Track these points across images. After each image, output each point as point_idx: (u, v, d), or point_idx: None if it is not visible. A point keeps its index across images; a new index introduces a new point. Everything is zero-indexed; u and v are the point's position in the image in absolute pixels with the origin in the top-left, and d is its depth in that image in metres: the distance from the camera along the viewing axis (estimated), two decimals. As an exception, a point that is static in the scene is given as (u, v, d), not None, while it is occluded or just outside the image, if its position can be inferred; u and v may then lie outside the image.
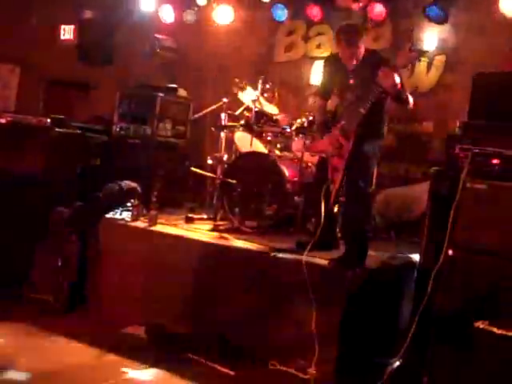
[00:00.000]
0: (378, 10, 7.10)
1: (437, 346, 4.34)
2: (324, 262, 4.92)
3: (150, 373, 4.61)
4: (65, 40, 9.08)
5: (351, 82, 5.11)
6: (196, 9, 8.27)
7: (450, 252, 4.48)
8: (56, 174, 6.24)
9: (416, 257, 5.11)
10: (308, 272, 4.78)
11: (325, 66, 5.47)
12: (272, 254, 5.12)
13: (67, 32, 9.09)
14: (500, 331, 4.12)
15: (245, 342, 4.95)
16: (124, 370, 4.59)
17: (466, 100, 5.32)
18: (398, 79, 4.80)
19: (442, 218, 4.62)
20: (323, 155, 5.31)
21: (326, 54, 7.25)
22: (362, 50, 5.09)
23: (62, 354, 4.79)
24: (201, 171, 6.61)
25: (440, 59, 7.00)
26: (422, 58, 6.93)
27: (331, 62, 5.39)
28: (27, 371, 4.37)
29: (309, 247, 4.97)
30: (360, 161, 5.03)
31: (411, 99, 5.09)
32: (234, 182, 6.03)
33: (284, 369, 4.71)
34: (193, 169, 6.61)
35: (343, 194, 5.16)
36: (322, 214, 5.06)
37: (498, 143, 4.67)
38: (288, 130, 6.31)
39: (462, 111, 5.40)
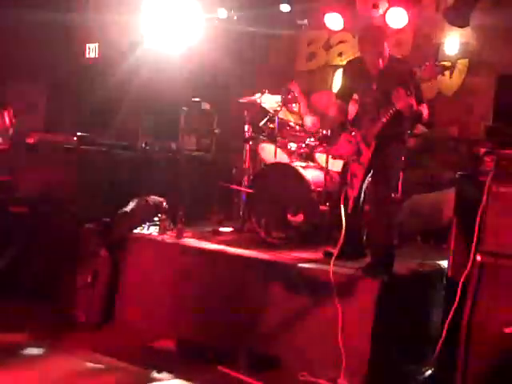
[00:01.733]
0: (399, 15, 7.08)
1: (468, 354, 4.31)
2: (351, 272, 4.91)
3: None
4: (90, 59, 9.21)
5: (374, 87, 5.09)
6: (216, 22, 8.32)
7: (479, 258, 4.44)
8: (84, 191, 6.30)
9: (444, 263, 5.08)
10: (335, 282, 4.78)
11: (347, 70, 5.46)
12: (299, 265, 5.12)
13: (92, 50, 9.23)
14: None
15: (273, 354, 4.94)
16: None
17: (490, 103, 5.30)
18: (412, 102, 4.80)
19: (469, 224, 4.59)
20: (343, 159, 5.33)
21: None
22: (386, 52, 5.06)
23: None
24: (228, 185, 6.65)
25: (463, 63, 6.98)
26: (445, 62, 6.98)
27: (354, 65, 5.37)
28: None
29: (334, 257, 4.95)
30: (382, 170, 5.02)
31: (425, 112, 5.07)
32: (259, 192, 6.05)
33: (313, 379, 4.68)
34: (221, 183, 6.66)
35: (367, 203, 5.15)
36: (343, 220, 5.03)
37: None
38: (311, 140, 6.32)
39: (486, 114, 5.38)
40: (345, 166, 5.36)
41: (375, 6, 7.04)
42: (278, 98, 6.55)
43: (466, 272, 4.48)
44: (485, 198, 4.48)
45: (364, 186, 5.21)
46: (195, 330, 5.33)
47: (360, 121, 5.23)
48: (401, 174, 5.80)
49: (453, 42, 6.90)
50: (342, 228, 5.08)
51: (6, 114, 6.79)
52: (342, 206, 5.11)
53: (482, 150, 4.85)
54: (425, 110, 5.08)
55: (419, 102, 4.97)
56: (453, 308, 4.52)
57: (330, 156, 5.95)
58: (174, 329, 5.39)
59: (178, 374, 4.71)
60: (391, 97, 4.85)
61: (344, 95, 5.41)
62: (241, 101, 6.78)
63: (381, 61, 5.03)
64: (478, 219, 4.48)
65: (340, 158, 5.61)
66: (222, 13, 8.17)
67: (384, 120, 4.94)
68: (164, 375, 4.74)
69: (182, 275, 5.54)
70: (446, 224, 5.44)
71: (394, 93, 4.82)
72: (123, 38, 8.49)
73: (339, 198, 5.18)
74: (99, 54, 9.15)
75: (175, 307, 5.48)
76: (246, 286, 5.23)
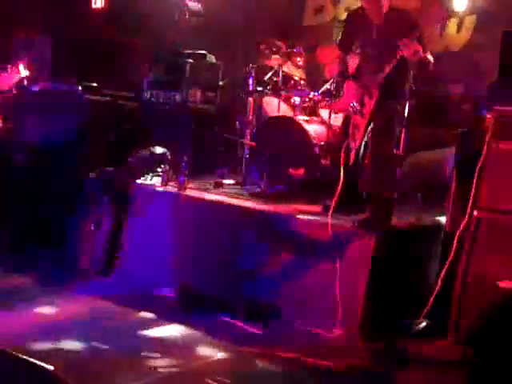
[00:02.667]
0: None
1: (461, 306, 4.39)
2: (349, 224, 4.97)
3: (178, 329, 4.73)
4: (96, 8, 9.14)
5: (374, 37, 5.05)
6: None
7: (476, 213, 4.50)
8: (88, 141, 6.35)
9: (443, 219, 5.13)
10: (332, 234, 4.84)
11: (348, 20, 5.47)
12: (297, 217, 5.18)
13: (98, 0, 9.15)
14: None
15: (272, 304, 5.04)
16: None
17: (496, 60, 5.26)
18: (419, 49, 4.77)
19: (468, 180, 4.63)
20: (346, 113, 5.34)
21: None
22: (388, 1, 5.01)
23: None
24: (231, 136, 6.67)
25: (470, 19, 6.90)
26: (452, 19, 6.93)
27: (355, 15, 5.36)
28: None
29: (331, 210, 5.00)
30: (383, 121, 5.02)
31: (431, 59, 5.04)
32: (261, 146, 6.09)
33: (310, 328, 4.78)
34: (225, 135, 6.69)
35: (366, 155, 5.17)
36: (341, 173, 5.06)
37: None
38: (315, 94, 6.32)
39: (493, 72, 5.34)
40: (346, 118, 5.37)
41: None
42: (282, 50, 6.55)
43: (463, 226, 4.56)
44: (484, 154, 4.53)
45: (365, 139, 5.21)
46: (195, 278, 5.43)
47: (362, 72, 5.20)
48: (403, 131, 5.83)
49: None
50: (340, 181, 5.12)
51: (20, 66, 6.79)
52: (341, 159, 5.13)
53: (484, 107, 4.87)
54: (431, 58, 5.05)
55: (424, 50, 4.94)
56: (448, 261, 4.60)
57: (333, 110, 5.96)
58: (175, 277, 5.50)
59: (177, 320, 4.81)
60: (394, 46, 4.82)
61: (344, 46, 5.39)
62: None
63: (383, 9, 4.99)
64: (476, 175, 4.53)
65: (343, 111, 5.61)
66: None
67: (387, 69, 4.91)
68: (165, 321, 4.85)
69: (183, 225, 5.62)
70: (445, 181, 5.47)
71: (398, 40, 4.78)
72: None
73: (340, 150, 5.21)
74: (105, 3, 9.08)
75: (176, 256, 5.57)
76: (246, 236, 5.30)
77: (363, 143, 5.24)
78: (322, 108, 6.34)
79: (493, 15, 6.64)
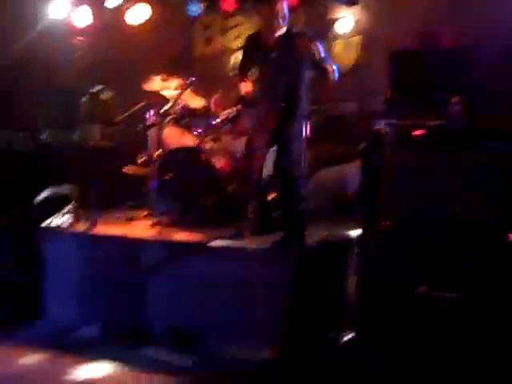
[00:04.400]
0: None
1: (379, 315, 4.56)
2: (265, 246, 5.05)
3: (101, 367, 4.63)
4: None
5: (272, 56, 5.13)
6: (110, 7, 8.17)
7: (387, 223, 4.70)
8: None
9: (355, 232, 5.31)
10: (250, 256, 4.90)
11: (245, 45, 5.53)
12: (212, 244, 5.21)
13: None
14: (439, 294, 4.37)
15: (197, 332, 5.04)
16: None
17: (384, 78, 5.55)
18: (315, 47, 4.94)
19: (375, 193, 4.84)
20: (247, 135, 5.44)
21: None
22: (285, 12, 5.14)
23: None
24: (132, 171, 6.63)
25: (356, 40, 7.25)
26: (338, 40, 7.25)
27: (252, 39, 5.46)
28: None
29: (245, 234, 5.07)
30: (285, 143, 5.14)
31: (336, 71, 5.17)
32: (168, 178, 6.09)
33: (239, 353, 4.80)
34: (125, 169, 6.63)
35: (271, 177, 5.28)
36: (256, 195, 5.13)
37: (419, 115, 4.95)
38: (214, 122, 6.38)
39: (381, 89, 5.64)
40: (248, 140, 5.46)
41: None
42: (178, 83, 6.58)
43: (375, 237, 4.74)
44: (386, 166, 4.76)
45: (269, 158, 5.30)
46: (116, 314, 5.34)
47: (261, 93, 5.28)
48: (304, 149, 6.00)
49: (345, 20, 7.15)
50: (252, 204, 5.19)
51: None
52: (251, 181, 5.21)
53: (382, 122, 5.11)
54: (335, 69, 5.16)
55: (325, 61, 5.08)
56: (365, 273, 4.76)
57: (233, 135, 6.06)
58: (97, 316, 5.37)
59: (104, 357, 4.71)
60: (292, 61, 4.95)
61: (243, 70, 5.48)
62: (144, 88, 6.72)
63: (276, 22, 5.11)
64: (382, 187, 4.75)
65: (244, 134, 5.71)
66: (112, 2, 8.06)
67: (283, 89, 5.03)
68: (94, 361, 4.73)
69: (97, 263, 5.51)
70: (352, 195, 5.69)
71: (295, 42, 4.92)
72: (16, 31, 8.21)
73: (245, 174, 5.29)
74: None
75: (95, 295, 5.46)
76: (164, 267, 5.27)
77: (268, 163, 5.34)
78: (223, 135, 6.41)
79: (376, 36, 7.00)
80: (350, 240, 5.36)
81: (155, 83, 6.72)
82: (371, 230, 4.84)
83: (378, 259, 4.67)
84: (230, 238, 5.33)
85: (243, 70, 5.48)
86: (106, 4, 8.02)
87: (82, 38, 8.31)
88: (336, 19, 7.10)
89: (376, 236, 4.75)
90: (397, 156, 4.87)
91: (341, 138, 6.61)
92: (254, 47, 5.40)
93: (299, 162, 5.45)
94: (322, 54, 5.04)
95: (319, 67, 5.09)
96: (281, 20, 5.14)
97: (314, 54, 4.97)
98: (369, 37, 7.11)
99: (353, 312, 4.83)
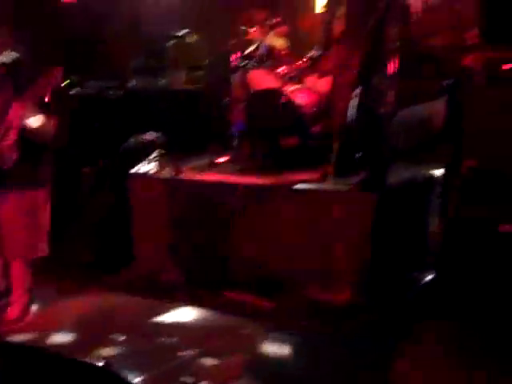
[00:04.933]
0: None
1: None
2: (348, 188, 4.98)
3: (185, 312, 4.77)
4: (67, 1, 9.04)
5: None
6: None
7: (471, 162, 4.51)
8: (78, 136, 6.32)
9: (439, 172, 5.14)
10: (332, 200, 4.85)
11: None
12: (294, 187, 5.19)
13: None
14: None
15: (280, 277, 5.07)
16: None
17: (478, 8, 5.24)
18: None
19: (461, 130, 4.65)
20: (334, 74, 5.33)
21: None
22: None
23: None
24: (222, 115, 6.67)
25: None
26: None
27: None
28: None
29: (329, 176, 5.01)
30: (370, 81, 5.01)
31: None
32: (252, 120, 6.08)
33: (319, 295, 4.82)
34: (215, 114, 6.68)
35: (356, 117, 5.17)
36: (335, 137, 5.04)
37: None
38: (300, 63, 6.30)
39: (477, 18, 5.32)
40: (334, 79, 5.36)
41: None
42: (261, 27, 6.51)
43: (460, 177, 4.58)
44: (474, 102, 4.54)
45: (355, 97, 5.19)
46: (199, 260, 5.45)
47: (348, 31, 5.21)
48: (390, 86, 5.81)
49: None
50: (336, 146, 5.12)
51: None
52: (333, 123, 5.13)
53: (471, 56, 4.87)
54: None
55: None
56: (449, 214, 4.63)
57: (318, 75, 5.95)
58: (181, 261, 5.53)
59: (186, 302, 4.85)
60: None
61: (331, 9, 5.37)
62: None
63: None
64: (469, 124, 4.54)
65: (329, 74, 5.60)
66: None
67: (372, 21, 4.90)
68: (176, 304, 4.88)
69: (182, 209, 5.62)
70: (438, 134, 5.48)
71: None
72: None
73: (329, 115, 5.21)
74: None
75: (179, 240, 5.59)
76: (246, 211, 5.32)
77: (353, 103, 5.22)
78: (308, 75, 6.31)
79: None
80: (434, 179, 5.20)
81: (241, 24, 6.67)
82: (456, 168, 4.67)
83: (462, 198, 4.52)
84: (313, 180, 5.29)
85: (328, 7, 5.36)
86: None
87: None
88: None
89: (460, 174, 4.58)
90: (485, 91, 4.62)
91: (429, 73, 6.33)
92: None
93: (384, 99, 5.32)
94: None
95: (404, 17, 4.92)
96: None
97: None
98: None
99: (436, 253, 4.72)
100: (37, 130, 4.27)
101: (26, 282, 4.46)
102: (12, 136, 4.20)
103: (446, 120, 5.01)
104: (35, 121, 4.25)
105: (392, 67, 5.48)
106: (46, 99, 4.35)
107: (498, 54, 4.73)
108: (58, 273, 5.30)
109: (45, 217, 4.49)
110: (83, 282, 5.29)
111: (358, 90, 5.16)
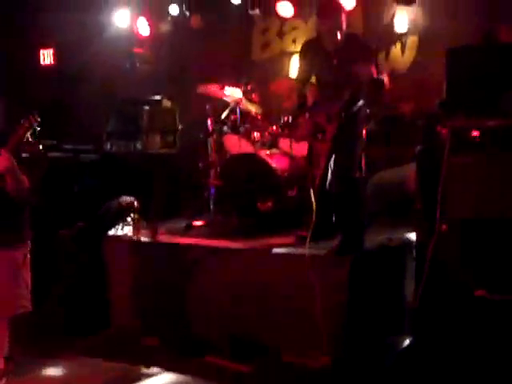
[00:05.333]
0: (347, -1, 7.20)
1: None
2: (323, 252, 5.06)
3: (164, 378, 4.72)
4: (45, 65, 9.20)
5: (332, 63, 5.16)
6: (169, 18, 8.38)
7: (444, 226, 4.64)
8: (54, 198, 6.33)
9: (412, 236, 5.27)
10: (309, 263, 4.91)
11: (304, 51, 5.52)
12: (273, 251, 5.26)
13: (47, 56, 9.22)
14: (499, 297, 4.29)
15: (256, 339, 5.09)
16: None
17: (442, 78, 5.47)
18: (373, 69, 4.95)
19: (432, 195, 4.78)
20: (307, 142, 5.45)
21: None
22: (343, 25, 5.16)
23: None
24: (197, 179, 6.76)
25: (413, 40, 7.16)
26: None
27: (311, 46, 5.48)
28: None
29: (308, 239, 5.06)
30: (345, 147, 5.14)
31: (386, 79, 5.18)
32: (227, 184, 6.17)
33: (297, 360, 4.83)
34: (189, 178, 6.76)
35: (332, 182, 5.28)
36: (313, 201, 5.13)
37: (476, 116, 4.84)
38: (274, 128, 6.44)
39: (439, 89, 5.55)
40: (309, 147, 5.49)
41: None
42: (237, 90, 6.65)
43: (433, 240, 4.69)
44: (444, 168, 4.69)
45: (330, 164, 5.31)
46: (177, 323, 5.44)
47: (322, 100, 5.31)
48: (362, 153, 5.99)
49: (401, 19, 7.07)
50: (312, 210, 5.19)
51: None
52: (310, 187, 5.21)
53: (438, 123, 5.05)
54: (385, 78, 5.19)
55: (378, 70, 5.10)
56: (424, 278, 4.71)
57: (293, 140, 6.08)
58: (158, 325, 5.51)
59: (166, 368, 4.82)
60: (351, 70, 4.95)
61: (303, 78, 5.50)
62: (201, 92, 6.82)
63: (338, 34, 5.14)
64: (439, 189, 4.68)
65: (304, 140, 5.73)
66: (174, 9, 8.25)
67: (346, 94, 5.04)
68: (153, 370, 4.85)
69: (159, 272, 5.64)
70: (410, 197, 5.63)
71: (353, 65, 4.93)
72: (80, 40, 8.51)
73: (306, 180, 5.30)
74: (54, 59, 9.15)
75: (155, 304, 5.59)
76: (224, 275, 5.36)
77: (329, 168, 5.35)
78: (282, 139, 6.45)
79: (433, 35, 6.91)
80: (408, 243, 5.32)
81: (214, 90, 6.80)
82: (429, 232, 4.79)
83: (436, 262, 4.62)
84: (288, 244, 5.37)
85: (302, 76, 5.50)
86: (169, 11, 8.17)
87: (142, 48, 8.53)
88: (393, 21, 7.00)
89: (433, 238, 4.69)
90: (454, 157, 4.79)
91: (398, 139, 6.55)
92: (311, 52, 5.41)
93: (358, 165, 5.47)
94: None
95: (376, 84, 5.10)
96: (341, 30, 5.16)
97: (371, 74, 4.95)
98: (426, 35, 7.01)
99: (411, 316, 4.79)
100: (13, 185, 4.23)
101: (4, 347, 4.37)
102: None
103: (417, 185, 5.14)
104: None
105: (364, 134, 5.67)
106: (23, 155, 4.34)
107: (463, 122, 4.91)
108: (33, 337, 5.22)
109: (26, 274, 4.43)
110: (59, 347, 5.22)
111: (332, 155, 5.28)
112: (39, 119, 4.21)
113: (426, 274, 4.68)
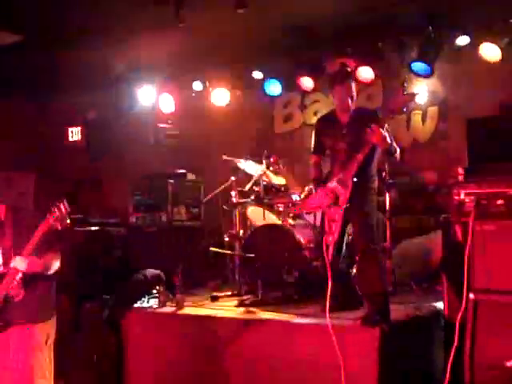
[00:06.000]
0: (367, 72, 7.38)
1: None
2: (349, 323, 5.02)
3: None
4: (72, 141, 9.47)
5: (344, 131, 5.26)
6: (193, 94, 8.60)
7: (472, 296, 4.59)
8: (80, 271, 6.40)
9: (440, 304, 5.22)
10: (335, 335, 4.86)
11: (317, 124, 5.66)
12: (297, 321, 5.22)
13: (75, 134, 9.50)
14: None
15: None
16: None
17: (463, 146, 5.53)
18: (386, 134, 5.01)
19: (458, 264, 4.75)
20: (320, 210, 5.47)
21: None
22: (354, 93, 5.29)
23: None
24: (218, 250, 6.79)
25: (433, 110, 7.29)
26: (416, 111, 7.32)
27: (325, 118, 5.62)
28: None
29: (328, 309, 5.00)
30: (363, 219, 5.16)
31: (398, 151, 5.24)
32: (253, 255, 6.20)
33: None
34: (212, 249, 6.79)
35: (355, 252, 5.28)
36: (328, 271, 5.10)
37: (500, 184, 4.86)
38: (297, 199, 6.50)
39: (461, 157, 5.61)
40: (322, 215, 5.49)
41: (344, 65, 7.32)
42: (259, 165, 6.76)
43: (462, 311, 4.63)
44: (469, 237, 4.68)
45: (347, 230, 5.32)
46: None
47: (334, 168, 5.34)
48: (387, 221, 6.01)
49: (421, 91, 7.21)
50: (328, 279, 5.17)
51: None
52: (325, 258, 5.18)
53: (462, 192, 5.06)
54: (397, 149, 5.24)
55: (390, 139, 5.14)
56: (453, 349, 4.63)
57: (305, 211, 6.12)
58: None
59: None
60: (363, 136, 5.01)
61: (318, 149, 5.58)
62: (225, 160, 6.93)
63: (350, 101, 5.25)
64: (466, 259, 4.66)
65: (316, 209, 5.75)
66: (197, 85, 8.48)
67: (360, 158, 5.11)
68: None
69: (186, 345, 5.61)
70: (436, 266, 5.60)
71: (366, 130, 4.98)
72: (106, 117, 8.77)
73: (321, 248, 5.28)
74: (82, 135, 9.42)
75: (185, 378, 5.55)
76: (253, 348, 5.31)
77: (345, 236, 5.35)
78: (305, 212, 6.49)
79: (453, 106, 7.03)
80: (436, 312, 5.26)
81: (238, 163, 6.92)
82: (456, 302, 4.74)
83: (465, 333, 4.55)
84: (313, 315, 5.34)
85: (317, 150, 5.60)
86: (193, 86, 8.40)
87: (167, 123, 8.75)
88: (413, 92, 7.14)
89: (461, 308, 4.64)
90: (478, 227, 4.78)
91: (421, 209, 6.58)
92: (325, 127, 5.53)
93: (378, 235, 5.45)
94: (388, 136, 5.09)
95: (389, 151, 5.16)
96: (352, 98, 5.28)
97: (385, 139, 5.01)
98: (446, 106, 7.13)
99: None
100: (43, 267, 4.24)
101: None
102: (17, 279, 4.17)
103: (443, 254, 5.13)
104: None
105: (388, 203, 5.71)
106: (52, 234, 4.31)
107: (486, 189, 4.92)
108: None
109: (47, 358, 4.27)
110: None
111: (347, 222, 5.28)
112: (68, 208, 4.14)
113: (456, 345, 4.62)
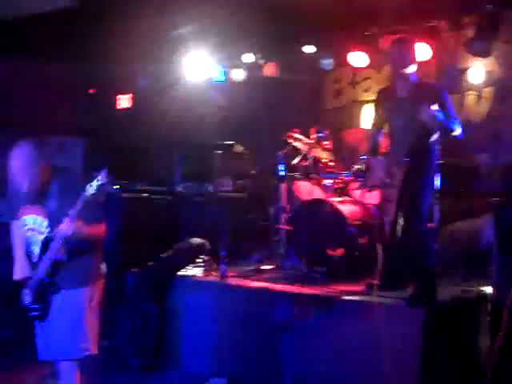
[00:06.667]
0: (423, 49, 7.22)
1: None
2: (394, 302, 4.98)
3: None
4: (122, 108, 9.52)
5: (403, 108, 5.18)
6: (244, 66, 8.56)
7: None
8: (126, 238, 6.47)
9: (487, 289, 5.14)
10: (379, 313, 4.84)
11: (378, 98, 5.62)
12: (343, 298, 5.21)
13: (124, 100, 9.56)
14: None
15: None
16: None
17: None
18: (439, 115, 4.91)
19: (509, 248, 4.68)
20: (378, 189, 5.43)
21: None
22: (413, 59, 5.21)
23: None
24: (268, 223, 6.80)
25: (489, 91, 7.12)
26: (471, 91, 7.16)
27: (385, 93, 5.57)
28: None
29: (376, 288, 5.00)
30: (412, 195, 5.11)
31: (459, 128, 5.14)
32: (298, 230, 6.19)
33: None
34: (261, 222, 6.80)
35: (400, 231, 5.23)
36: (380, 251, 5.07)
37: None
38: (345, 175, 6.45)
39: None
40: (381, 194, 5.47)
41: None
42: (308, 139, 6.71)
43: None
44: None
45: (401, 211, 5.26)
46: (245, 367, 5.43)
47: (392, 145, 5.33)
48: (436, 202, 5.92)
49: (477, 71, 7.05)
50: (380, 258, 5.14)
51: None
52: (378, 235, 5.16)
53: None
54: (457, 127, 5.15)
55: (449, 117, 5.06)
56: (501, 334, 4.57)
57: (365, 188, 6.05)
58: (225, 367, 5.51)
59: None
60: (418, 114, 4.95)
61: (378, 125, 5.56)
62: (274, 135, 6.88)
63: (408, 74, 5.16)
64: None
65: (375, 188, 5.71)
66: (248, 57, 8.42)
67: (414, 138, 5.03)
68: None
69: (229, 314, 5.65)
70: (484, 249, 5.52)
71: (420, 107, 4.92)
72: (156, 86, 8.79)
73: (376, 228, 5.26)
74: (132, 104, 9.47)
75: (224, 346, 5.59)
76: (291, 321, 5.32)
77: (400, 216, 5.30)
78: (352, 189, 6.45)
79: (510, 87, 6.86)
80: (483, 296, 5.19)
81: (287, 137, 6.88)
82: (506, 287, 4.67)
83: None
84: (358, 292, 5.32)
85: (377, 124, 5.54)
86: (243, 59, 8.34)
87: (217, 94, 8.74)
88: (466, 71, 7.00)
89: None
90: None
91: (473, 191, 6.46)
92: (384, 100, 5.46)
93: (428, 215, 5.39)
94: (449, 108, 4.99)
95: (445, 129, 5.06)
96: (410, 67, 5.17)
97: (434, 117, 4.91)
98: (502, 87, 6.96)
99: (487, 374, 4.64)
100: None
101: None
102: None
103: (494, 237, 5.04)
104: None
105: (436, 183, 5.61)
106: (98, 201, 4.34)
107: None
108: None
109: (92, 316, 4.35)
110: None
111: (403, 204, 5.23)
112: (109, 177, 4.15)
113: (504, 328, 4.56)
